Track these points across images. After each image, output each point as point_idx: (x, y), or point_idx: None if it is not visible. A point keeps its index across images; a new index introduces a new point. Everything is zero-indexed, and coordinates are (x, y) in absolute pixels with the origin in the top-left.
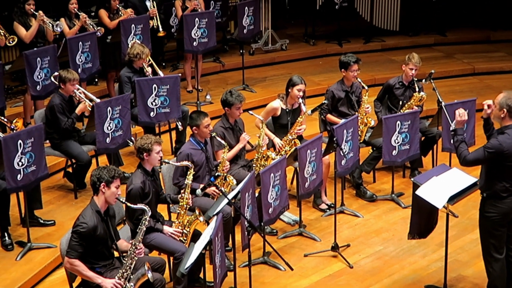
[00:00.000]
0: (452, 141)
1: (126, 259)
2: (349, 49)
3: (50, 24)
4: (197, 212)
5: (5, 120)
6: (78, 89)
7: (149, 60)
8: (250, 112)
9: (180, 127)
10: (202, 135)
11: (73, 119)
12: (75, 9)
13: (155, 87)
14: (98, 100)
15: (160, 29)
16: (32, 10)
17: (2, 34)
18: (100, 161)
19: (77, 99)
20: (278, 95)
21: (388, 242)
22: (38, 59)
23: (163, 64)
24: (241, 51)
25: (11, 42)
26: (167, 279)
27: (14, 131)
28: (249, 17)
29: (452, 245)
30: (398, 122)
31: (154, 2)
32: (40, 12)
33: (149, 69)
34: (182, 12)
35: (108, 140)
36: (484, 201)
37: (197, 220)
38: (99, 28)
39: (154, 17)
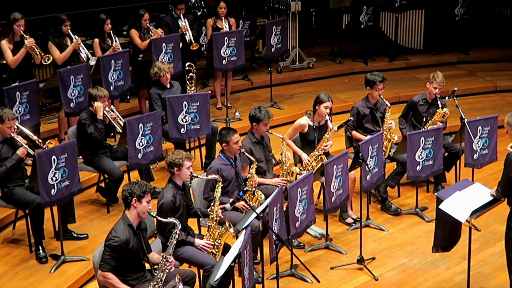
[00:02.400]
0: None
1: (157, 272)
2: (374, 67)
3: (84, 54)
4: (227, 224)
5: (39, 140)
6: (107, 106)
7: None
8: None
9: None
10: (231, 151)
11: (100, 126)
12: (110, 31)
13: (185, 104)
14: (123, 121)
15: (193, 41)
16: (68, 31)
17: (37, 53)
18: (132, 176)
19: (108, 117)
20: (305, 112)
21: (413, 255)
22: (72, 77)
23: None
24: (269, 69)
25: (46, 61)
26: None
27: None
28: (277, 36)
29: (475, 258)
30: (422, 138)
31: (187, 19)
32: (79, 39)
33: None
34: (212, 31)
35: (139, 155)
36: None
37: (227, 232)
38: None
39: (187, 32)
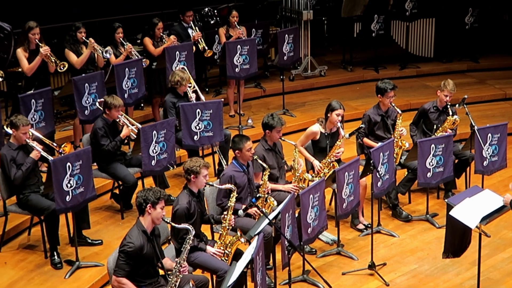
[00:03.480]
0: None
1: (171, 277)
2: (385, 75)
3: (100, 51)
4: (238, 233)
5: (54, 144)
6: (122, 114)
7: (194, 86)
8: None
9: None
10: (244, 158)
11: (117, 142)
12: (121, 38)
13: (198, 112)
14: (139, 126)
15: (207, 48)
16: (83, 38)
17: (53, 60)
18: (146, 183)
19: (121, 124)
20: (317, 119)
21: (423, 261)
22: (86, 84)
23: (207, 89)
24: (281, 77)
25: (62, 68)
26: None
27: (62, 155)
28: (289, 44)
29: (485, 264)
30: (433, 145)
31: (197, 28)
32: (91, 39)
33: (193, 95)
34: (226, 39)
35: (153, 162)
36: None
37: (238, 241)
38: (144, 60)
39: (199, 39)
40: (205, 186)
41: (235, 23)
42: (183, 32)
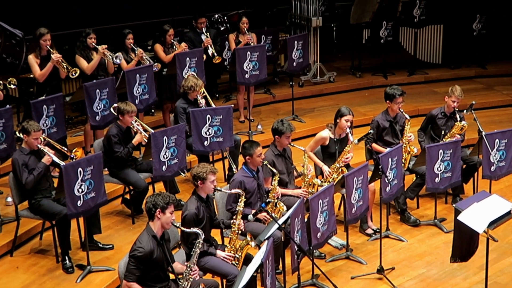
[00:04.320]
0: None
1: (181, 281)
2: (394, 81)
3: (110, 56)
4: (248, 237)
5: (65, 149)
6: (135, 120)
7: (203, 92)
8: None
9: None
10: (254, 163)
11: (129, 148)
12: (131, 44)
13: (208, 118)
14: (153, 131)
15: (216, 55)
16: (93, 44)
17: (64, 67)
18: (156, 188)
19: (135, 130)
20: (326, 125)
21: (431, 265)
22: (97, 90)
23: (217, 95)
24: (290, 83)
25: (73, 74)
26: None
27: (74, 159)
28: (298, 50)
29: (492, 268)
30: (441, 150)
31: (210, 33)
32: (103, 45)
33: (202, 101)
34: (235, 45)
35: (164, 168)
36: None
37: (248, 245)
38: (156, 64)
39: (209, 46)
40: (214, 191)
41: (245, 29)
42: (196, 38)
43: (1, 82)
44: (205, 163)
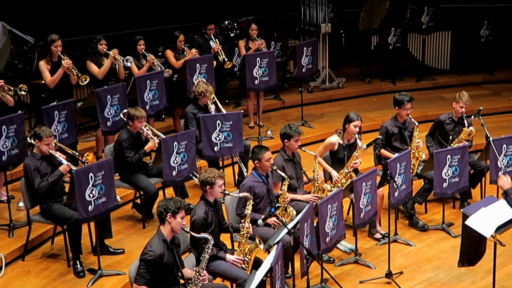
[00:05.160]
0: (507, 200)
1: (191, 286)
2: (402, 87)
3: (121, 60)
4: (257, 240)
5: (77, 154)
6: (145, 126)
7: (213, 98)
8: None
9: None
10: (264, 168)
11: (141, 154)
12: (143, 50)
13: (218, 123)
14: (163, 136)
15: (226, 60)
16: (104, 50)
17: (75, 73)
18: (166, 193)
19: (145, 135)
20: (335, 130)
21: (439, 270)
22: (108, 96)
23: (227, 101)
24: (300, 89)
25: (83, 81)
26: None
27: (85, 164)
28: (307, 57)
29: (500, 272)
30: (449, 156)
31: (218, 40)
32: (114, 49)
33: (212, 106)
34: (245, 51)
35: (174, 173)
36: None
37: (257, 248)
38: (167, 70)
39: (219, 51)
40: (223, 195)
41: (255, 35)
42: (204, 44)
43: (12, 88)
44: (213, 168)
